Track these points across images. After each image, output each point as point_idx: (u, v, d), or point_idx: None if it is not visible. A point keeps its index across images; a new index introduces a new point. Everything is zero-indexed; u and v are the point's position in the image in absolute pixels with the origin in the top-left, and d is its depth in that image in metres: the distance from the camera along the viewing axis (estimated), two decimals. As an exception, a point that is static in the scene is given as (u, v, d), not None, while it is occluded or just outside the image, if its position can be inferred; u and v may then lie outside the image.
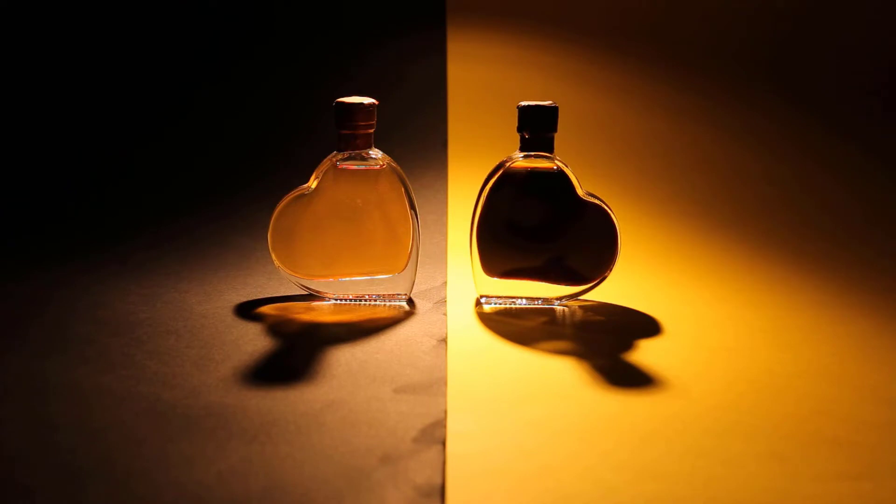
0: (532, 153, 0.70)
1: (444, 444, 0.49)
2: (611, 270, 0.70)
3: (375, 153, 0.70)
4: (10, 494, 0.44)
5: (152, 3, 1.24)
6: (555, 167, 0.70)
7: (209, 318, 0.68)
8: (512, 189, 0.70)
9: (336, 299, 0.72)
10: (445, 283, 0.77)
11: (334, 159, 0.70)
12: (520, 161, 0.70)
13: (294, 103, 1.13)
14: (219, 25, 1.24)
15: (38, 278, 0.77)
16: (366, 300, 0.72)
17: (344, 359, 0.61)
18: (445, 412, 0.53)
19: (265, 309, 0.71)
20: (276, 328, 0.67)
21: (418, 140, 1.06)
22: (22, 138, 1.08)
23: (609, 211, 0.69)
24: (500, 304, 0.71)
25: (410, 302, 0.72)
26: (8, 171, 1.03)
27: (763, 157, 1.06)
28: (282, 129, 1.11)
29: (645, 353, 0.63)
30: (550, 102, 0.69)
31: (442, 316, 0.69)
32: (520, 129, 0.69)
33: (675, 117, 1.13)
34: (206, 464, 0.47)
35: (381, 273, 0.71)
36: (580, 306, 0.72)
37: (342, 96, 0.69)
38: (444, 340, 0.64)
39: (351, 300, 0.72)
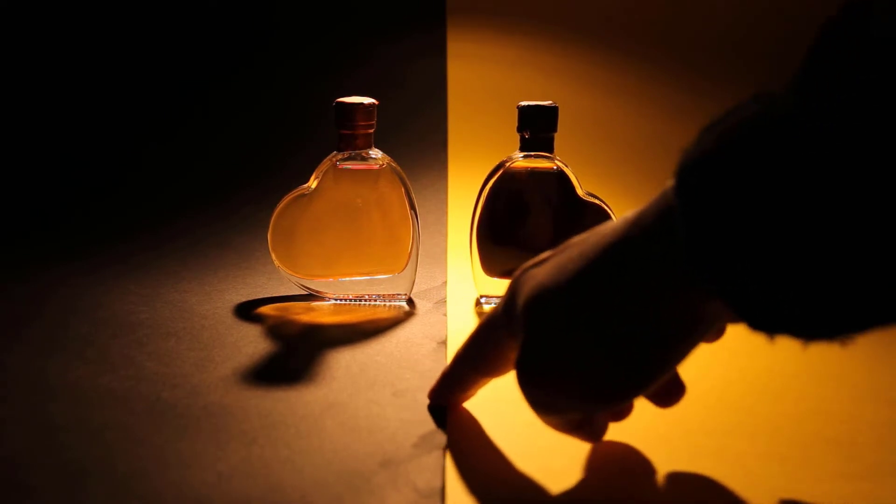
0: (532, 153, 0.70)
1: (444, 447, 0.49)
2: (611, 271, 0.70)
3: (375, 153, 0.70)
4: (10, 494, 0.44)
5: (152, 5, 1.24)
6: (555, 167, 0.70)
7: (209, 319, 0.68)
8: (512, 189, 0.70)
9: (336, 299, 0.72)
10: (445, 283, 0.77)
11: (334, 159, 0.70)
12: (520, 161, 0.70)
13: (294, 103, 1.13)
14: (219, 26, 1.24)
15: (38, 278, 0.77)
16: (366, 300, 0.72)
17: (344, 361, 0.61)
18: (445, 415, 0.53)
19: (265, 309, 0.71)
20: (277, 329, 0.67)
21: (418, 140, 1.06)
22: (23, 139, 1.08)
23: (609, 211, 0.69)
24: (500, 304, 0.71)
25: (410, 302, 0.72)
26: (9, 172, 1.03)
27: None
28: (282, 129, 1.11)
29: (645, 354, 0.63)
30: (550, 102, 0.69)
31: (442, 316, 0.69)
32: (520, 129, 0.69)
33: (676, 117, 1.13)
34: (206, 465, 0.47)
35: (381, 273, 0.71)
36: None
37: (342, 96, 0.69)
38: (444, 342, 0.64)
39: (351, 300, 0.72)
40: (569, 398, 0.44)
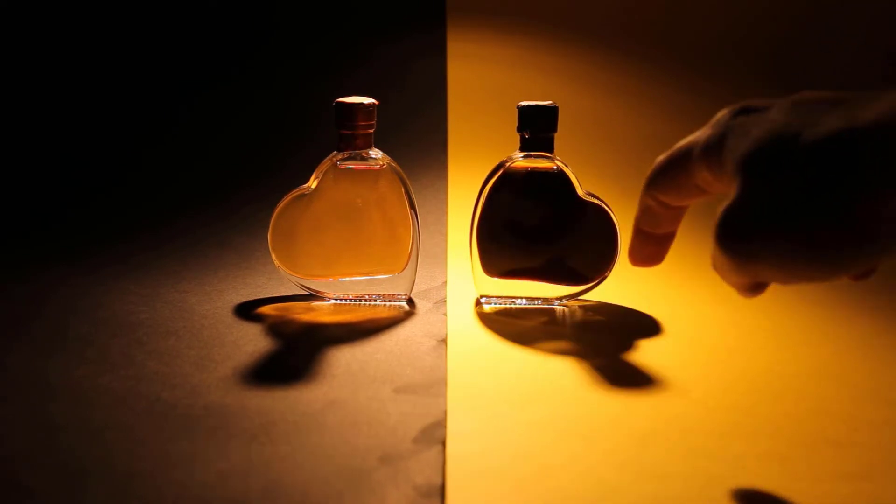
0: (532, 153, 0.70)
1: (444, 444, 0.49)
2: (611, 270, 0.70)
3: (375, 153, 0.70)
4: (10, 494, 0.44)
5: (152, 5, 1.24)
6: (555, 167, 0.70)
7: (209, 319, 0.68)
8: (512, 189, 0.70)
9: (336, 299, 0.72)
10: (445, 283, 0.77)
11: (334, 159, 0.70)
12: (520, 161, 0.70)
13: (294, 103, 1.14)
14: (219, 26, 1.24)
15: (38, 278, 0.77)
16: (366, 300, 0.72)
17: (344, 359, 0.61)
18: (445, 412, 0.53)
19: (265, 309, 0.71)
20: (277, 328, 0.67)
21: (418, 140, 1.06)
22: (23, 139, 1.08)
23: (609, 211, 0.69)
24: (500, 304, 0.71)
25: (410, 302, 0.72)
26: (9, 172, 1.03)
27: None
28: (282, 129, 1.11)
29: (645, 353, 0.63)
30: (550, 102, 0.69)
31: (442, 316, 0.69)
32: (520, 129, 0.69)
33: (676, 117, 1.13)
34: (207, 464, 0.47)
35: (381, 273, 0.71)
36: (580, 306, 0.72)
37: (342, 96, 0.69)
38: (444, 340, 0.64)
39: (351, 300, 0.72)
40: (771, 265, 0.42)
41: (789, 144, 0.42)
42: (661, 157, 0.51)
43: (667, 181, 0.51)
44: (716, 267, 0.47)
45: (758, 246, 0.42)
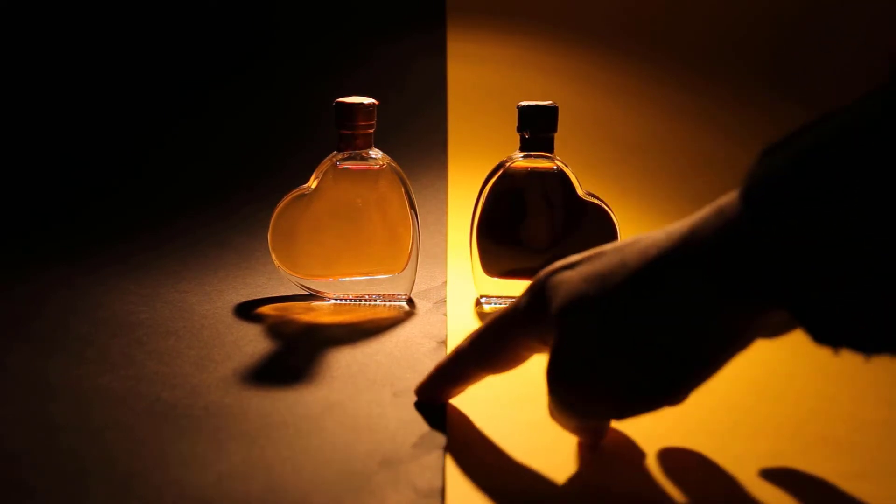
0: (532, 153, 0.70)
1: (444, 447, 0.49)
2: (611, 270, 0.70)
3: (375, 153, 0.70)
4: (10, 494, 0.44)
5: (153, 6, 1.24)
6: (555, 167, 0.70)
7: (209, 319, 0.68)
8: (512, 189, 0.70)
9: (336, 299, 0.72)
10: (445, 283, 0.77)
11: (334, 159, 0.70)
12: (520, 161, 0.70)
13: (294, 103, 1.14)
14: (219, 27, 1.24)
15: (38, 278, 0.77)
16: (366, 300, 0.72)
17: (344, 361, 0.61)
18: (445, 415, 0.53)
19: (265, 309, 0.71)
20: (277, 329, 0.67)
21: (418, 140, 1.06)
22: (24, 139, 1.08)
23: (609, 211, 0.69)
24: (500, 304, 0.71)
25: (410, 302, 0.72)
26: (10, 172, 1.03)
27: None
28: (282, 129, 1.11)
29: (645, 354, 0.63)
30: (550, 102, 0.69)
31: (442, 316, 0.69)
32: (520, 129, 0.69)
33: (675, 117, 1.13)
34: (206, 465, 0.47)
35: (381, 273, 0.71)
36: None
37: (342, 96, 0.69)
38: (444, 342, 0.64)
39: (351, 300, 0.72)
40: (602, 404, 0.45)
41: (596, 291, 0.44)
42: (478, 330, 0.51)
43: (489, 353, 0.50)
44: (553, 415, 0.48)
45: (582, 392, 0.45)
